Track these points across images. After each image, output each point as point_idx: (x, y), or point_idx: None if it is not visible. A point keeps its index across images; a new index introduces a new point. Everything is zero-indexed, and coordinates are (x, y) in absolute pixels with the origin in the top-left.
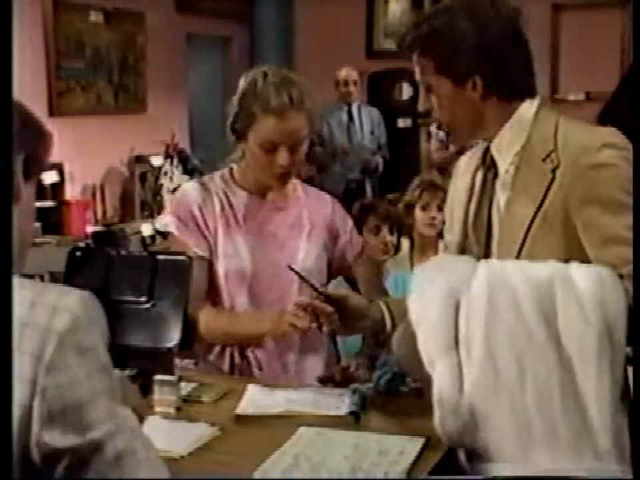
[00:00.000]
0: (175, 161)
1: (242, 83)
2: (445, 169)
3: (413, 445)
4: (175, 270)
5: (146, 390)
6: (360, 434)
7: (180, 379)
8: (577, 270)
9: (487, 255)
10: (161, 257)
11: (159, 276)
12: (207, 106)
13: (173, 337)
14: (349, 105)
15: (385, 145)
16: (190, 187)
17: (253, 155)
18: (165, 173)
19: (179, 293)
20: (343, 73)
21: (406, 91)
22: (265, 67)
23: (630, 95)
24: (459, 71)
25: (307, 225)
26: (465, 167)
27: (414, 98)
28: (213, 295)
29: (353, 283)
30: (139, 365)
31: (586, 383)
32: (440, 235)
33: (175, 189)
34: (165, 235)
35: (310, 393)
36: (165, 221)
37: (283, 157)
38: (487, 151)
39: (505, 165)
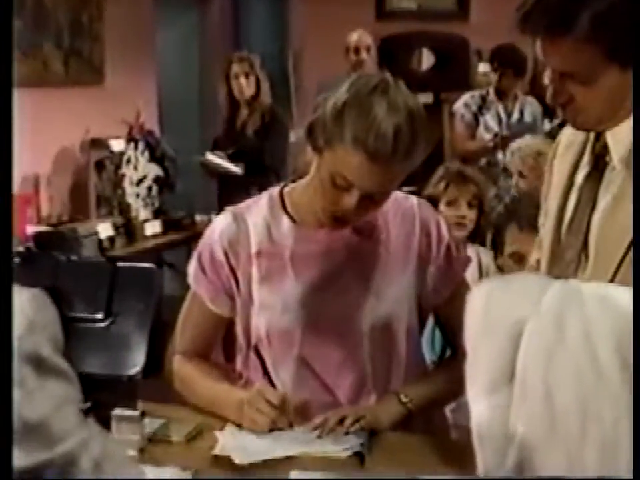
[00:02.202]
0: (141, 145)
1: (351, 83)
2: (472, 161)
3: None
4: (140, 280)
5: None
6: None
7: (143, 413)
8: None
9: (578, 265)
10: (121, 263)
11: (120, 287)
12: (180, 79)
13: (135, 362)
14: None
15: None
16: (219, 221)
17: (319, 177)
18: (128, 161)
19: (144, 309)
20: (354, 37)
21: (426, 59)
22: (388, 78)
23: None
24: (627, 53)
25: (383, 253)
26: (566, 147)
27: (437, 67)
28: (244, 361)
29: (446, 329)
30: (94, 397)
31: None
32: (471, 238)
33: (140, 180)
34: (128, 235)
35: (306, 431)
36: (190, 267)
37: (351, 199)
38: (596, 139)
39: (617, 156)
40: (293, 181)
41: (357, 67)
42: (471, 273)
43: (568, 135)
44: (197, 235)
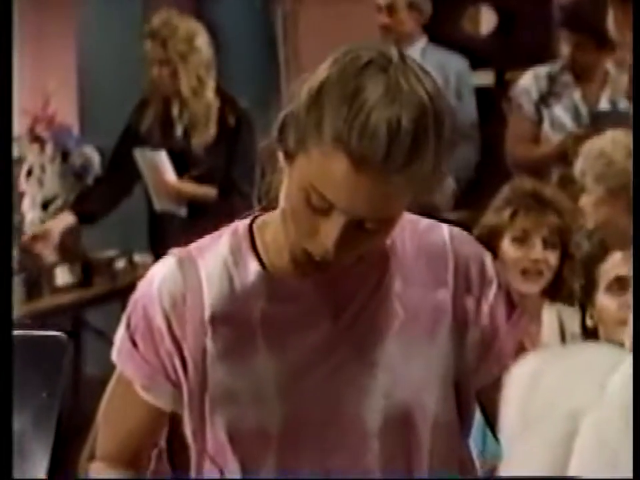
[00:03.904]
0: (49, 148)
1: (335, 58)
2: (537, 175)
3: None
4: (42, 355)
5: None
6: None
7: None
8: None
9: None
10: (16, 332)
11: (13, 368)
12: (110, 54)
13: (34, 473)
14: (399, 48)
15: (474, 121)
16: (158, 270)
17: (288, 197)
18: (29, 172)
19: (48, 398)
20: None
21: (486, 21)
22: (391, 52)
23: None
24: None
25: (398, 312)
26: None
27: (501, 32)
28: (198, 474)
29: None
30: None
31: None
32: (550, 293)
33: (47, 203)
34: (29, 285)
35: None
36: (116, 337)
37: (333, 228)
38: None
39: None
40: (267, 210)
41: (391, 33)
42: (547, 343)
43: None
44: (135, 286)
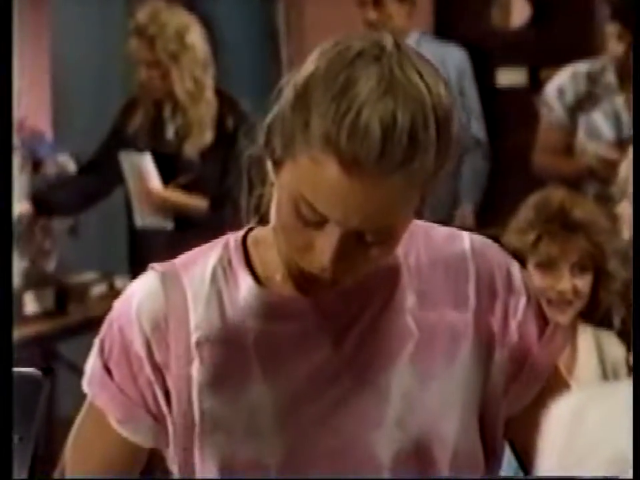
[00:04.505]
0: (19, 156)
1: (323, 49)
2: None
3: None
4: (15, 397)
5: None
6: None
7: None
8: None
9: None
10: None
11: None
12: (88, 56)
13: None
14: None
15: (479, 125)
16: (138, 287)
17: (278, 210)
18: None
19: (21, 442)
20: None
21: (518, 12)
22: (385, 41)
23: None
24: None
25: (412, 331)
26: None
27: (535, 24)
28: None
29: (527, 460)
30: None
31: None
32: (586, 316)
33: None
34: None
35: None
36: (88, 364)
37: (328, 242)
38: None
39: None
40: (263, 222)
41: (377, 30)
42: (585, 373)
43: None
44: None
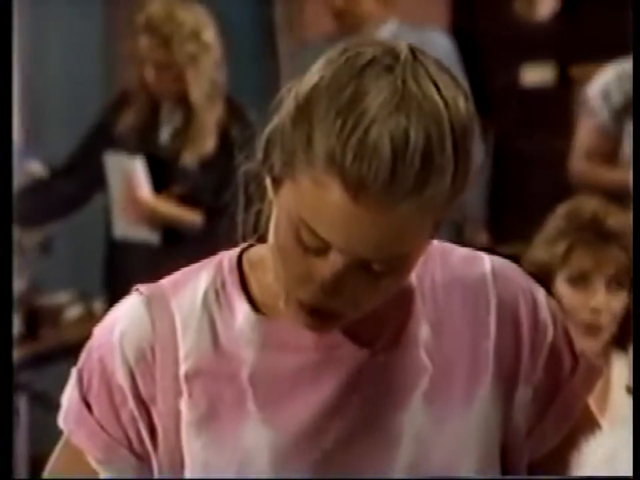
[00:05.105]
0: None
1: (329, 57)
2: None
3: None
4: None
5: None
6: None
7: None
8: None
9: None
10: None
11: None
12: (62, 55)
13: None
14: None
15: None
16: (122, 311)
17: (277, 233)
18: None
19: None
20: None
21: (544, 2)
22: (400, 48)
23: None
24: None
25: (427, 365)
26: None
27: (565, 15)
28: None
29: None
30: None
31: None
32: (619, 340)
33: None
34: None
35: None
36: (64, 397)
37: (330, 270)
38: None
39: None
40: (261, 240)
41: (346, 19)
42: (619, 409)
43: None
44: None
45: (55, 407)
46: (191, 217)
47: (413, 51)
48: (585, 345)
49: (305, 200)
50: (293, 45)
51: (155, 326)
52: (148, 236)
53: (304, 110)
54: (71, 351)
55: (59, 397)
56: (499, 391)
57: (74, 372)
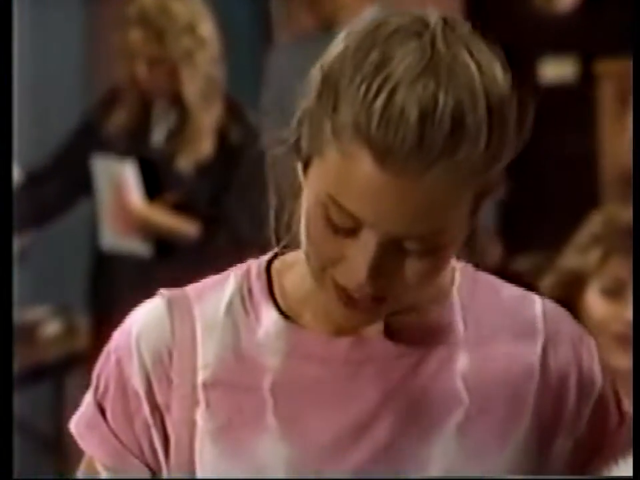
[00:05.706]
0: None
1: (354, 29)
2: None
3: None
4: None
5: None
6: None
7: None
8: None
9: None
10: None
11: None
12: (42, 52)
13: None
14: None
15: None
16: (142, 315)
17: (307, 218)
18: None
19: None
20: None
21: None
22: (429, 17)
23: None
24: None
25: (464, 397)
26: None
27: (588, 8)
28: None
29: None
30: None
31: None
32: None
33: None
34: None
35: None
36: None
37: (361, 252)
38: None
39: None
40: (293, 245)
41: (322, 8)
42: None
43: None
44: (73, 359)
45: (32, 433)
46: (186, 226)
47: (444, 17)
48: (618, 358)
49: (333, 174)
50: (288, 33)
51: (174, 329)
52: (139, 247)
53: (329, 79)
54: (47, 371)
55: (36, 424)
56: (538, 436)
57: (93, 376)
